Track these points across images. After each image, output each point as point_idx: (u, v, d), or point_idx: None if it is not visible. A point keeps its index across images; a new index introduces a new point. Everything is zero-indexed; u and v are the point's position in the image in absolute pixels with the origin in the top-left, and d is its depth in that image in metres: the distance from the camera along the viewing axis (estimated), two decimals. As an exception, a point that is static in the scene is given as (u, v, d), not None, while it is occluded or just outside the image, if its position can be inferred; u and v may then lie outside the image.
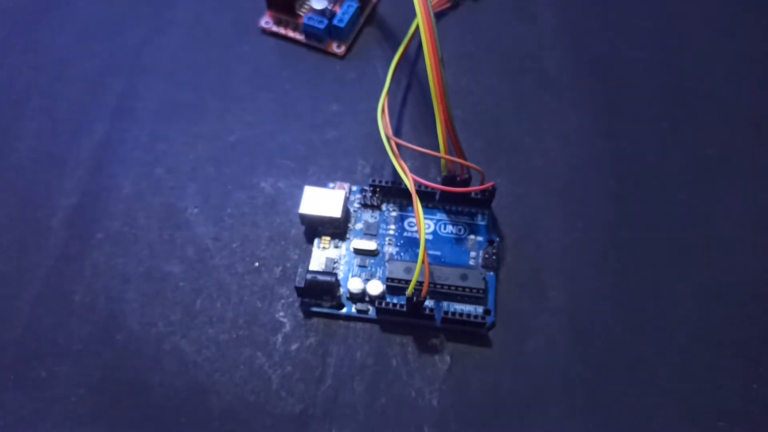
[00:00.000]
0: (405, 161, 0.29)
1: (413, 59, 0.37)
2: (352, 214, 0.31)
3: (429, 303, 0.28)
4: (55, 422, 0.27)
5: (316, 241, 0.30)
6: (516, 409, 0.27)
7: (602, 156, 0.33)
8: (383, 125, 0.29)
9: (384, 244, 0.30)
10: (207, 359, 0.28)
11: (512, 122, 0.35)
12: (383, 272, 0.29)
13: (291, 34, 0.37)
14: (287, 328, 0.29)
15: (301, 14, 0.37)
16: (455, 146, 0.28)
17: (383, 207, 0.31)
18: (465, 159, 0.29)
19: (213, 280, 0.30)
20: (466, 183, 0.30)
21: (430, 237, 0.30)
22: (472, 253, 0.30)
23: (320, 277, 0.28)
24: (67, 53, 0.37)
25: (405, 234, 0.31)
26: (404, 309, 0.28)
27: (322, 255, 0.30)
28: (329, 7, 0.36)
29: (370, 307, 0.29)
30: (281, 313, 0.29)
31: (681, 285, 0.30)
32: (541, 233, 0.31)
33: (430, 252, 0.30)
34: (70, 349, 0.28)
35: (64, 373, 0.28)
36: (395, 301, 0.28)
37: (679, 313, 0.29)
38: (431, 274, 0.28)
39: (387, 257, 0.30)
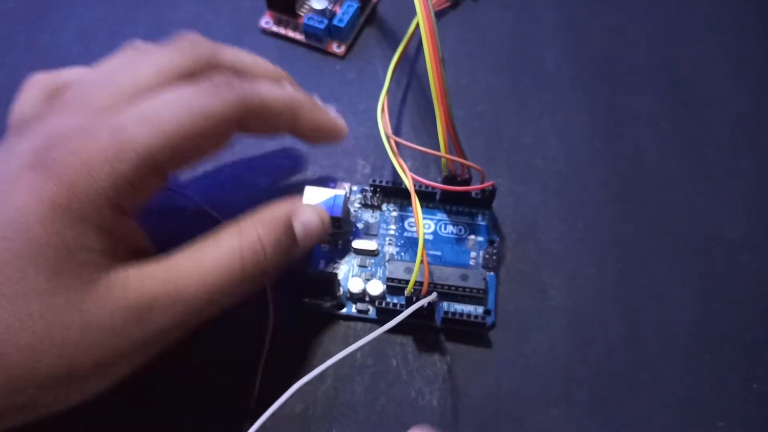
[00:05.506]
0: (405, 161, 0.29)
1: (413, 59, 0.37)
2: (353, 214, 0.31)
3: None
4: (54, 421, 0.27)
5: (316, 241, 0.30)
6: (516, 409, 0.27)
7: (602, 156, 0.33)
8: (383, 125, 0.29)
9: (384, 244, 0.30)
10: (207, 359, 0.28)
11: (512, 122, 0.35)
12: (383, 272, 0.29)
13: (291, 34, 0.37)
14: (287, 328, 0.29)
15: (301, 14, 0.37)
16: (455, 146, 0.28)
17: (383, 207, 0.31)
18: (465, 159, 0.29)
19: (213, 280, 0.30)
20: (466, 183, 0.30)
21: (431, 237, 0.30)
22: (473, 254, 0.30)
23: (320, 276, 0.28)
24: (67, 53, 0.37)
25: (405, 234, 0.30)
26: (404, 309, 0.27)
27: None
28: (329, 7, 0.36)
29: (370, 307, 0.29)
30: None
31: (681, 285, 0.30)
32: (541, 233, 0.31)
33: (431, 252, 0.30)
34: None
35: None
36: (395, 301, 0.28)
37: (679, 313, 0.29)
38: (431, 274, 0.28)
39: (387, 257, 0.30)
